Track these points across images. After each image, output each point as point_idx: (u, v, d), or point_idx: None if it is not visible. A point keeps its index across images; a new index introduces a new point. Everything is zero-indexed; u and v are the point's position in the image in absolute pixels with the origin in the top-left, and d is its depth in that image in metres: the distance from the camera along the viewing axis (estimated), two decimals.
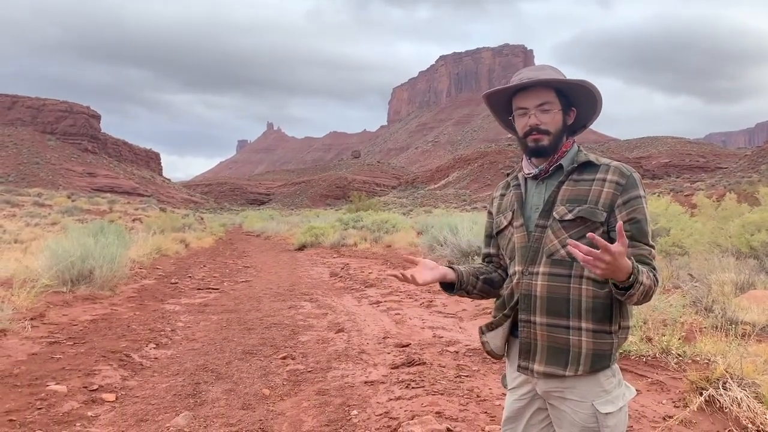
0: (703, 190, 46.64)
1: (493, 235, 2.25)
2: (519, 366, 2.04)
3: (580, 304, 1.92)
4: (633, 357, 5.05)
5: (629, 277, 1.74)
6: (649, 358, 5.00)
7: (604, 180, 1.96)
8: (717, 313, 6.11)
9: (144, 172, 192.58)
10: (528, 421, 2.10)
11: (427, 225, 21.98)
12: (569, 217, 1.95)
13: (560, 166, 2.05)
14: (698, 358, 4.85)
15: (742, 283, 7.87)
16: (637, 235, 1.92)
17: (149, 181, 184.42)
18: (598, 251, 1.66)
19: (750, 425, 3.56)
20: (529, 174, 2.11)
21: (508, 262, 2.15)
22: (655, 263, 1.94)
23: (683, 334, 5.38)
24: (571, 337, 1.93)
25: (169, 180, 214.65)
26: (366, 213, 34.41)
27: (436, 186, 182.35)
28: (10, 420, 4.05)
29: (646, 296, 1.84)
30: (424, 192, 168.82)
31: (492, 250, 2.27)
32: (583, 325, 1.92)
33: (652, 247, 1.95)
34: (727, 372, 4.02)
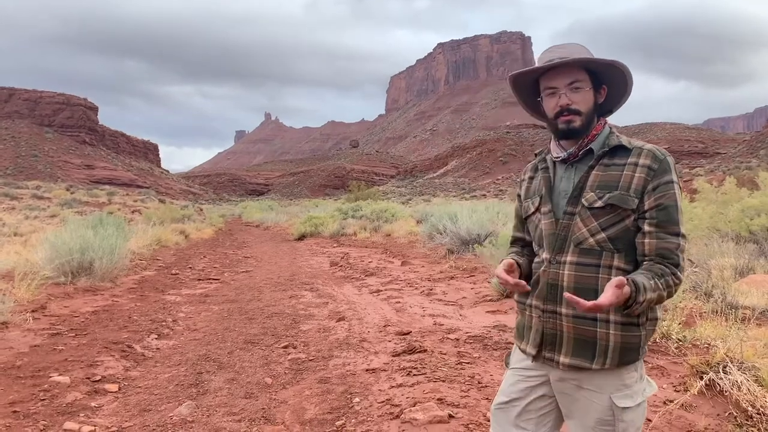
0: (702, 175, 46.62)
1: (524, 220, 2.16)
2: (544, 357, 1.96)
3: None
4: None
5: (627, 301, 1.72)
6: (650, 343, 5.01)
7: (636, 164, 1.87)
8: (717, 298, 6.12)
9: (142, 164, 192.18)
10: (528, 404, 2.03)
11: (427, 214, 21.98)
12: (599, 204, 1.87)
13: (590, 150, 1.95)
14: (698, 343, 4.87)
15: (742, 268, 7.89)
16: (664, 222, 1.83)
17: (148, 172, 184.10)
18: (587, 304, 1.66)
19: (750, 408, 3.57)
20: (557, 157, 2.01)
21: (535, 248, 2.09)
22: (682, 258, 1.84)
23: (683, 319, 5.40)
24: (598, 329, 1.85)
25: (167, 171, 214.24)
26: (365, 202, 34.42)
27: (434, 175, 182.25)
28: (14, 411, 4.07)
29: (659, 302, 1.80)
30: (422, 181, 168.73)
31: (526, 236, 2.17)
32: (612, 317, 1.84)
33: (683, 237, 1.84)
34: (727, 356, 4.03)
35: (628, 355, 1.87)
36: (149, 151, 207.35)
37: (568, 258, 1.91)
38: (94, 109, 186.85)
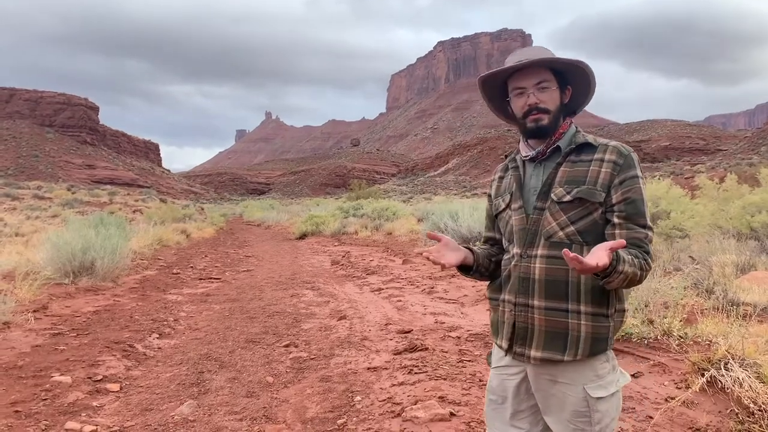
0: (703, 172, 46.57)
1: (494, 218, 2.23)
2: (515, 353, 2.01)
3: (579, 286, 1.90)
4: (635, 339, 5.06)
5: (607, 267, 1.73)
6: (651, 340, 5.01)
7: (602, 160, 1.94)
8: (718, 295, 6.11)
9: (143, 164, 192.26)
10: (516, 397, 2.08)
11: (428, 212, 21.97)
12: (567, 198, 1.93)
13: (558, 148, 2.02)
14: (700, 340, 4.86)
15: (743, 265, 7.87)
16: (633, 215, 1.90)
17: (149, 172, 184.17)
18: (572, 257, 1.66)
19: (752, 405, 3.57)
20: (526, 156, 2.08)
21: (506, 244, 2.14)
22: (650, 247, 1.91)
23: (684, 316, 5.39)
24: (570, 320, 1.91)
25: (168, 171, 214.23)
26: (366, 201, 34.42)
27: (435, 173, 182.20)
28: (16, 411, 4.08)
29: (631, 283, 1.84)
30: (423, 179, 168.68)
31: (496, 235, 2.24)
32: (582, 308, 1.90)
33: (650, 229, 1.92)
34: (728, 353, 4.03)
35: (597, 346, 1.92)
36: (150, 151, 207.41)
37: (539, 252, 1.97)
38: (95, 109, 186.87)
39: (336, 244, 19.26)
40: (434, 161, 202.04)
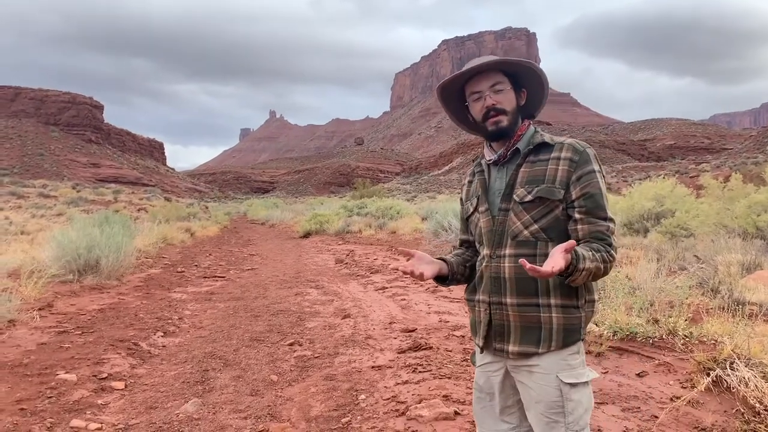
0: (708, 171, 46.41)
1: (467, 221, 2.30)
2: (495, 349, 2.07)
3: (547, 282, 1.96)
4: (640, 339, 5.05)
5: (568, 267, 1.79)
6: (656, 339, 5.00)
7: (559, 158, 2.01)
8: (723, 294, 6.10)
9: (148, 162, 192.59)
10: (502, 392, 2.14)
11: (432, 211, 21.96)
12: (528, 198, 1.99)
13: (517, 150, 2.08)
14: (705, 339, 4.84)
15: (749, 264, 7.84)
16: (592, 209, 1.96)
17: (153, 170, 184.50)
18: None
19: (758, 405, 3.56)
20: (489, 160, 2.15)
21: (477, 246, 2.21)
22: (613, 239, 1.97)
23: (690, 315, 5.38)
24: (542, 314, 1.97)
25: (173, 169, 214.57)
26: (370, 200, 34.44)
27: (439, 172, 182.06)
28: (21, 409, 4.09)
29: (596, 276, 1.90)
30: (427, 178, 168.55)
31: (470, 237, 2.31)
32: (552, 301, 1.97)
33: (611, 221, 1.98)
34: (734, 352, 4.02)
35: (570, 336, 1.99)
36: (155, 150, 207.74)
37: (507, 251, 2.03)
38: (100, 108, 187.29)
39: (340, 242, 19.27)
40: (438, 160, 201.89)
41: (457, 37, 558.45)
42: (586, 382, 2.02)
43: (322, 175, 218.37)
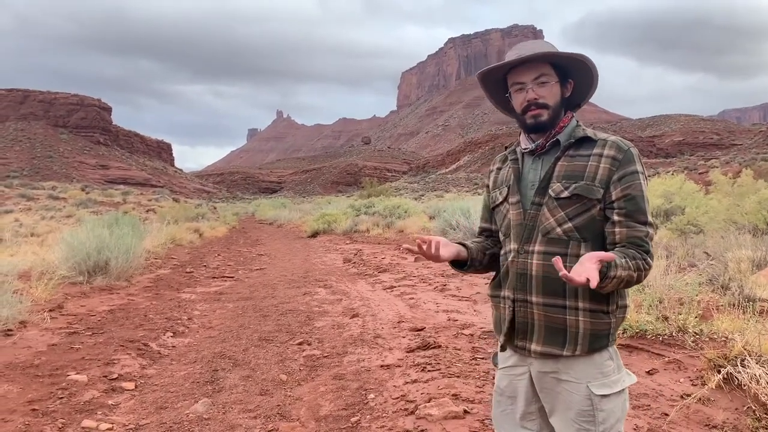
0: (717, 167, 46.12)
1: (492, 210, 2.19)
2: (516, 346, 1.99)
3: None
4: (649, 336, 5.03)
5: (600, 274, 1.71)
6: (666, 336, 4.97)
7: (601, 155, 1.90)
8: (734, 291, 6.06)
9: (156, 163, 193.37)
10: (526, 397, 2.03)
11: (439, 209, 21.94)
12: (565, 194, 1.89)
13: (557, 142, 1.98)
14: (715, 336, 4.82)
15: (759, 260, 7.78)
16: (633, 212, 1.86)
17: (162, 171, 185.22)
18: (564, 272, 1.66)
19: None
20: (525, 149, 2.04)
21: (502, 238, 2.10)
22: (651, 246, 1.87)
23: (700, 312, 5.34)
24: (568, 317, 1.88)
25: (181, 170, 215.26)
26: (378, 199, 34.42)
27: (447, 170, 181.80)
28: (33, 409, 4.12)
29: (627, 284, 1.82)
30: (435, 176, 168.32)
31: (492, 227, 2.21)
32: (580, 304, 1.87)
33: (651, 226, 1.88)
34: (745, 349, 3.99)
35: (598, 342, 1.88)
36: (163, 151, 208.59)
37: (536, 248, 1.93)
38: (108, 110, 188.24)
39: (348, 242, 19.28)
40: (445, 158, 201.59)
41: (463, 35, 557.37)
42: (620, 391, 1.91)
43: (330, 174, 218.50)
